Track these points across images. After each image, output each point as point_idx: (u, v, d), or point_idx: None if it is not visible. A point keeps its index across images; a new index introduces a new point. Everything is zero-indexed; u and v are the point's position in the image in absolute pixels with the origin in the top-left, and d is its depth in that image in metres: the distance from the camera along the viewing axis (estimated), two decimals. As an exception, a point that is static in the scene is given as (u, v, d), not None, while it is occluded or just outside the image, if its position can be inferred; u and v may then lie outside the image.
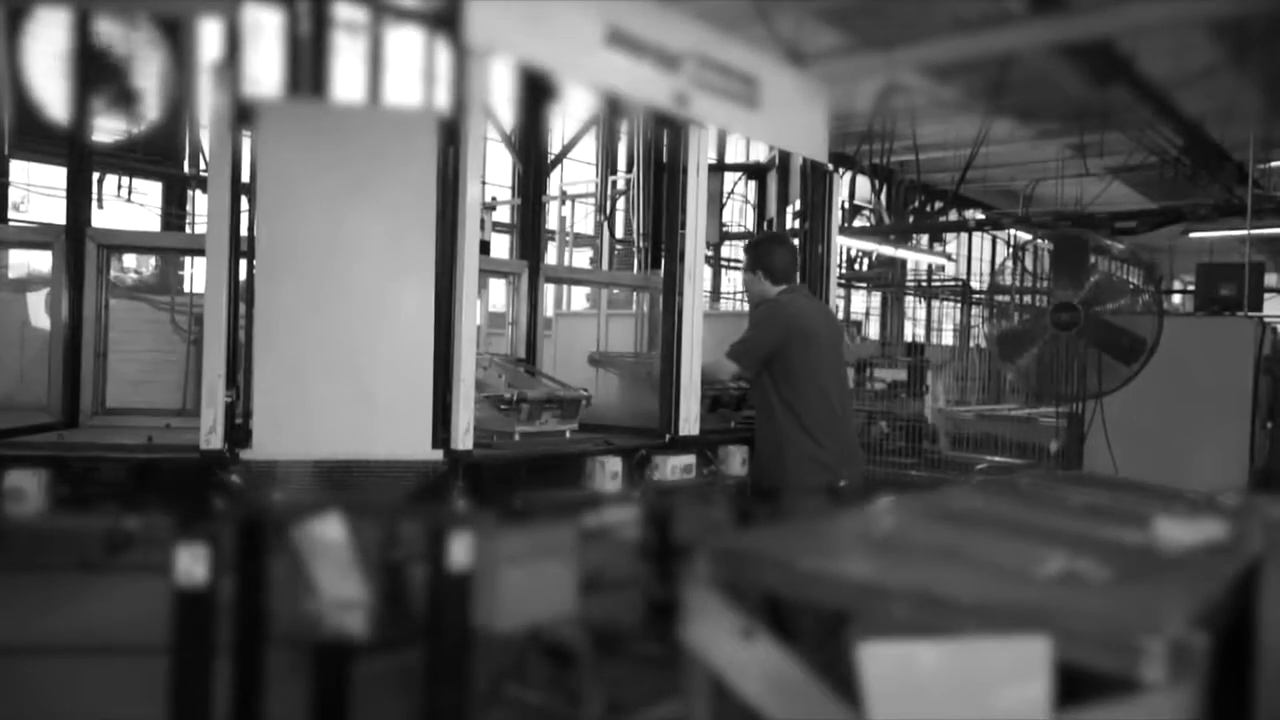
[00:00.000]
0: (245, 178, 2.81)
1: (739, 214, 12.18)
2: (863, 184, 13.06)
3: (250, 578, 2.78)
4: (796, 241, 4.29)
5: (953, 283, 14.83)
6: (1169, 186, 11.06)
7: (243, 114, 2.78)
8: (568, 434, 3.79)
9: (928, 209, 13.68)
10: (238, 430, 2.80)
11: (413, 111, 2.98)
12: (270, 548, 2.74)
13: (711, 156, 7.22)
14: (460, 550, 2.64)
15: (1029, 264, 5.72)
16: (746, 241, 4.27)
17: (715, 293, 13.04)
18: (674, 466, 3.80)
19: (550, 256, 11.08)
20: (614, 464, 3.60)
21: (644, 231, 6.51)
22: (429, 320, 2.92)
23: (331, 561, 2.49)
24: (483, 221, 7.96)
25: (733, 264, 13.06)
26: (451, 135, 2.89)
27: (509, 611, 2.80)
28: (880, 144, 11.51)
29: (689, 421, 3.78)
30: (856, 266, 13.70)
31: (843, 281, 13.17)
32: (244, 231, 2.84)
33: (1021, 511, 2.21)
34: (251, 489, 2.70)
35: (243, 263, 2.85)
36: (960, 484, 2.77)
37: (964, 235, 15.81)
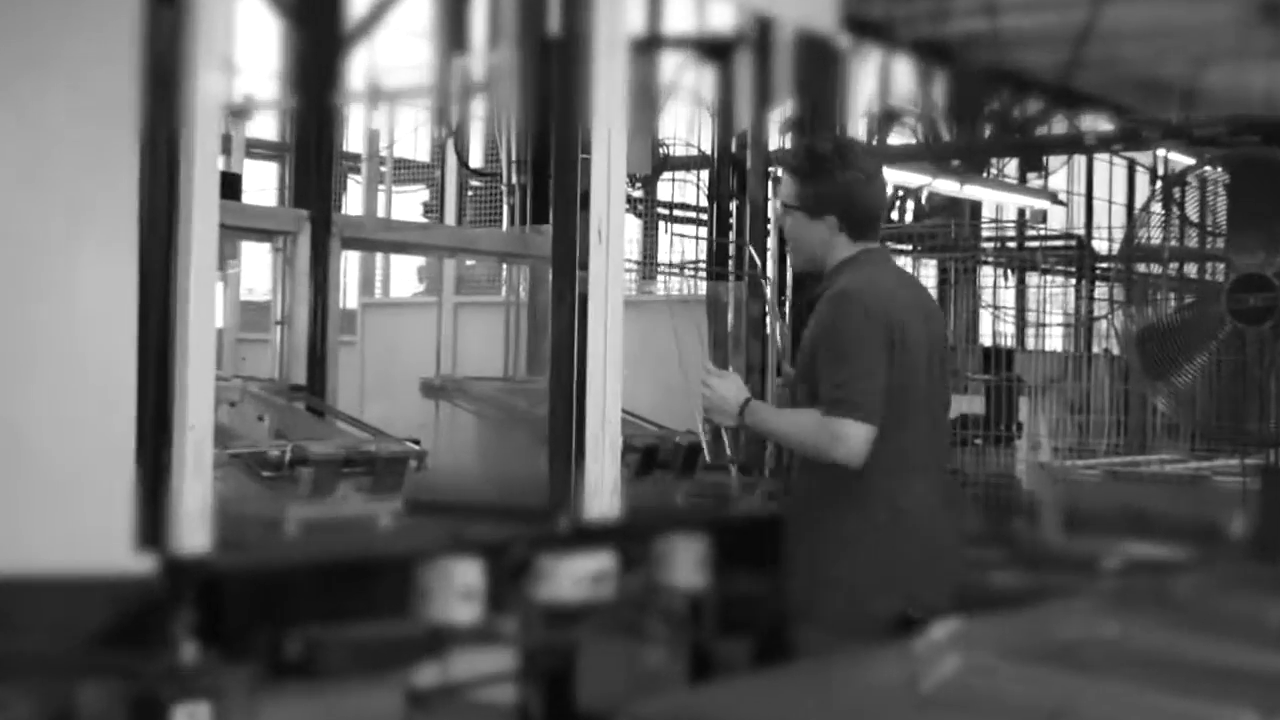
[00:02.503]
0: None
1: (686, 125, 12.22)
2: (903, 71, 13.23)
3: None
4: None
5: (1062, 243, 15.10)
6: None
7: None
8: (385, 520, 3.84)
9: (1014, 115, 13.92)
10: None
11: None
12: None
13: (638, 23, 7.19)
14: (187, 740, 2.64)
15: (1190, 210, 5.85)
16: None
17: (647, 265, 13.08)
18: (575, 575, 3.83)
19: (352, 202, 10.99)
20: (468, 573, 3.62)
21: (518, 159, 6.47)
22: (126, 319, 2.95)
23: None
24: (227, 139, 7.86)
25: (677, 215, 13.13)
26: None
27: None
28: (932, 1, 11.69)
29: (601, 494, 3.87)
30: (894, 215, 13.89)
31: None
32: None
33: (1182, 642, 2.28)
34: None
35: None
36: (1079, 594, 2.80)
37: (1079, 161, 16.13)
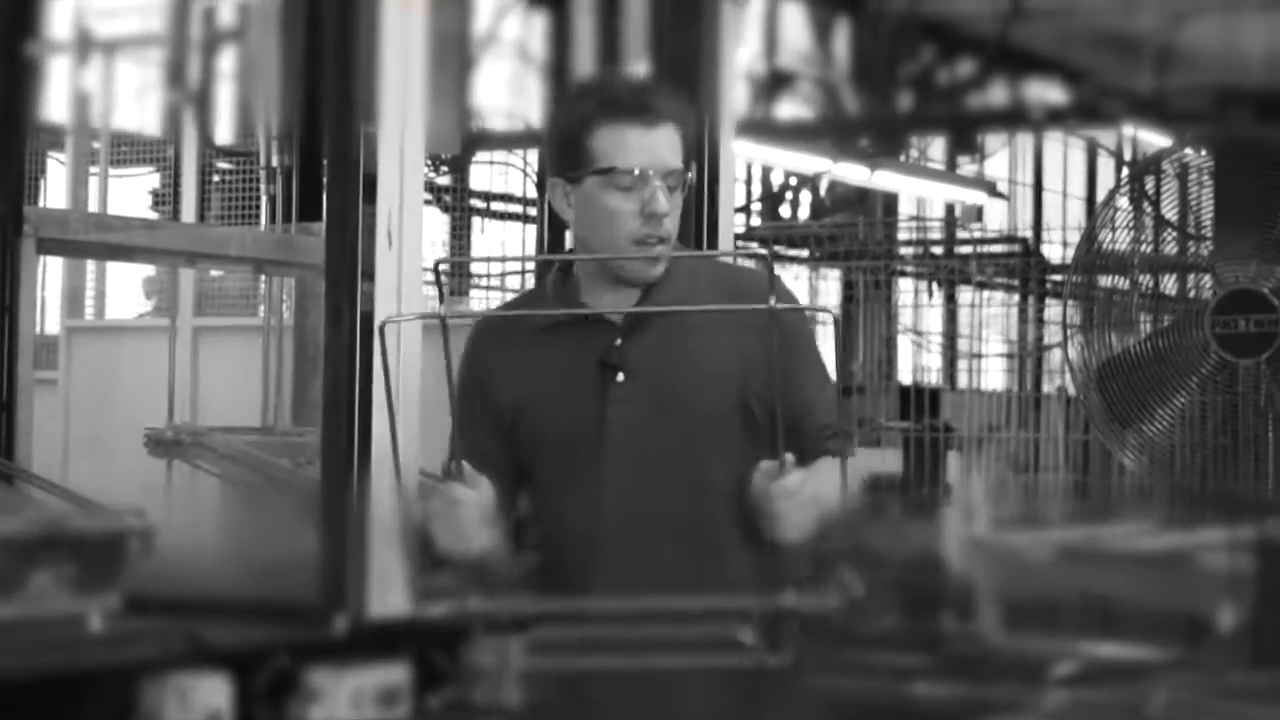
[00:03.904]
0: None
1: (508, 90, 12.30)
2: (795, 22, 13.43)
3: None
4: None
5: (1003, 249, 15.35)
6: None
7: None
8: (96, 622, 3.84)
9: (940, 80, 14.19)
10: None
11: None
12: None
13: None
14: None
15: (1166, 206, 6.00)
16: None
17: (457, 275, 13.12)
18: (358, 693, 3.85)
19: (54, 191, 10.82)
20: (210, 692, 3.65)
21: (280, 134, 6.45)
22: None
23: None
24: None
25: (496, 208, 13.19)
26: None
27: None
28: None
29: (392, 584, 3.91)
30: (784, 211, 14.02)
31: (758, 245, 13.44)
32: None
33: None
34: None
35: None
36: (1024, 710, 2.89)
37: (1024, 141, 16.45)
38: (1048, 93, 14.60)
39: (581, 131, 3.19)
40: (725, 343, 3.28)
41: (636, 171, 3.15)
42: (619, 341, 3.23)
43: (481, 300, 13.34)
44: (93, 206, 8.60)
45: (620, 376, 3.21)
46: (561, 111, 3.32)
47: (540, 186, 7.11)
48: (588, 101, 3.25)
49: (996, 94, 14.11)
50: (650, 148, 3.19)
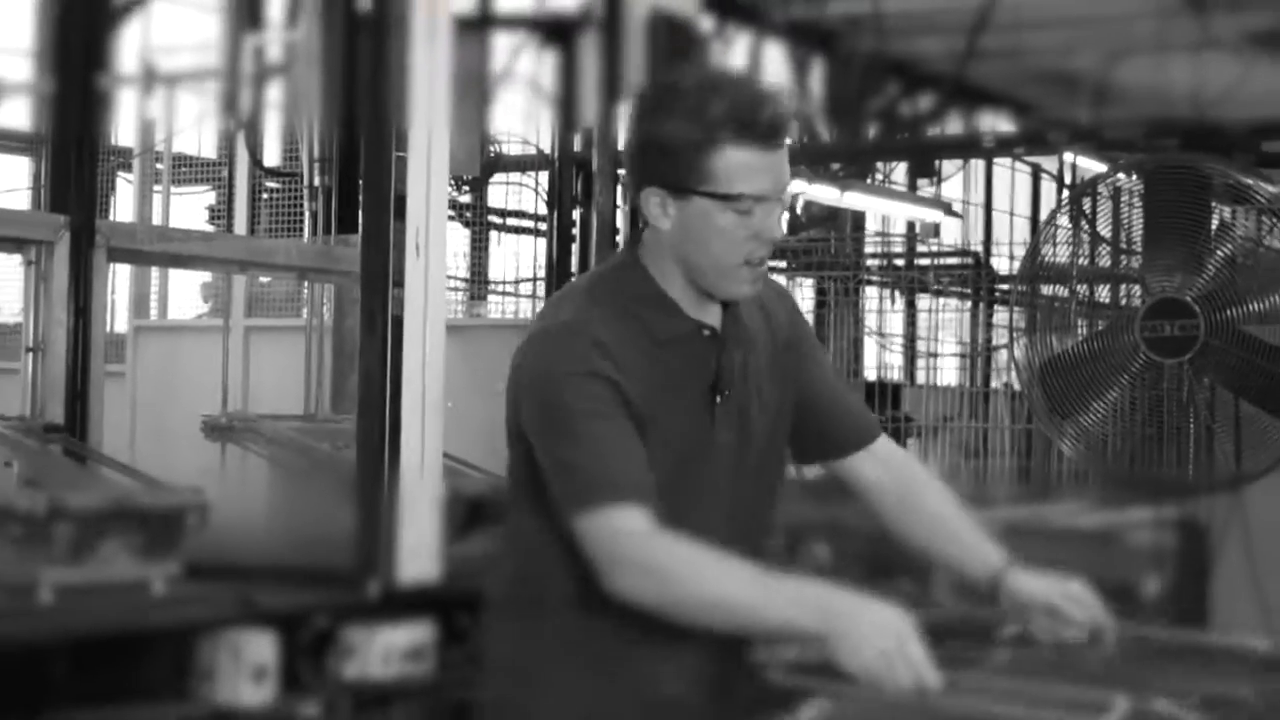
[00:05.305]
0: None
1: (521, 119, 12.22)
2: (774, 59, 13.38)
3: None
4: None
5: (957, 261, 15.31)
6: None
7: None
8: (159, 586, 3.84)
9: (903, 112, 14.14)
10: None
11: None
12: None
13: (466, -1, 7.20)
14: None
15: (1102, 224, 5.97)
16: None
17: (475, 283, 13.10)
18: (388, 650, 3.85)
19: (122, 205, 10.82)
20: (259, 648, 3.65)
21: (322, 157, 6.44)
22: None
23: None
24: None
25: (511, 224, 13.15)
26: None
27: None
28: (810, -21, 11.83)
29: (419, 554, 3.89)
30: (765, 228, 14.01)
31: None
32: None
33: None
34: None
35: None
36: (972, 667, 2.88)
37: (976, 167, 16.42)
38: (998, 124, 14.55)
39: (701, 147, 2.66)
40: (774, 362, 2.95)
41: (760, 195, 2.69)
42: (719, 359, 2.82)
43: (497, 305, 13.33)
44: (156, 220, 8.59)
45: (718, 398, 2.82)
46: (673, 118, 2.71)
47: (553, 203, 7.03)
48: (711, 113, 2.67)
49: (953, 125, 14.06)
50: (774, 168, 2.72)
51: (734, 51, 12.35)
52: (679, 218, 2.71)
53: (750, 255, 2.71)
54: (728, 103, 2.67)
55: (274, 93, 8.66)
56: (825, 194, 12.55)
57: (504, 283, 13.15)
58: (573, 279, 6.62)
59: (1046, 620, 2.85)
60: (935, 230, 15.26)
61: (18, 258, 4.84)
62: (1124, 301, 5.93)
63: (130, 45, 9.69)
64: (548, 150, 10.49)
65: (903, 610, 2.53)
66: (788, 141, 2.74)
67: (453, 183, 8.01)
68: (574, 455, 2.64)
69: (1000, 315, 9.63)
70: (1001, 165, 16.33)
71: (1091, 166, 11.71)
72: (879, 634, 2.50)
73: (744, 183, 2.65)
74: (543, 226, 10.83)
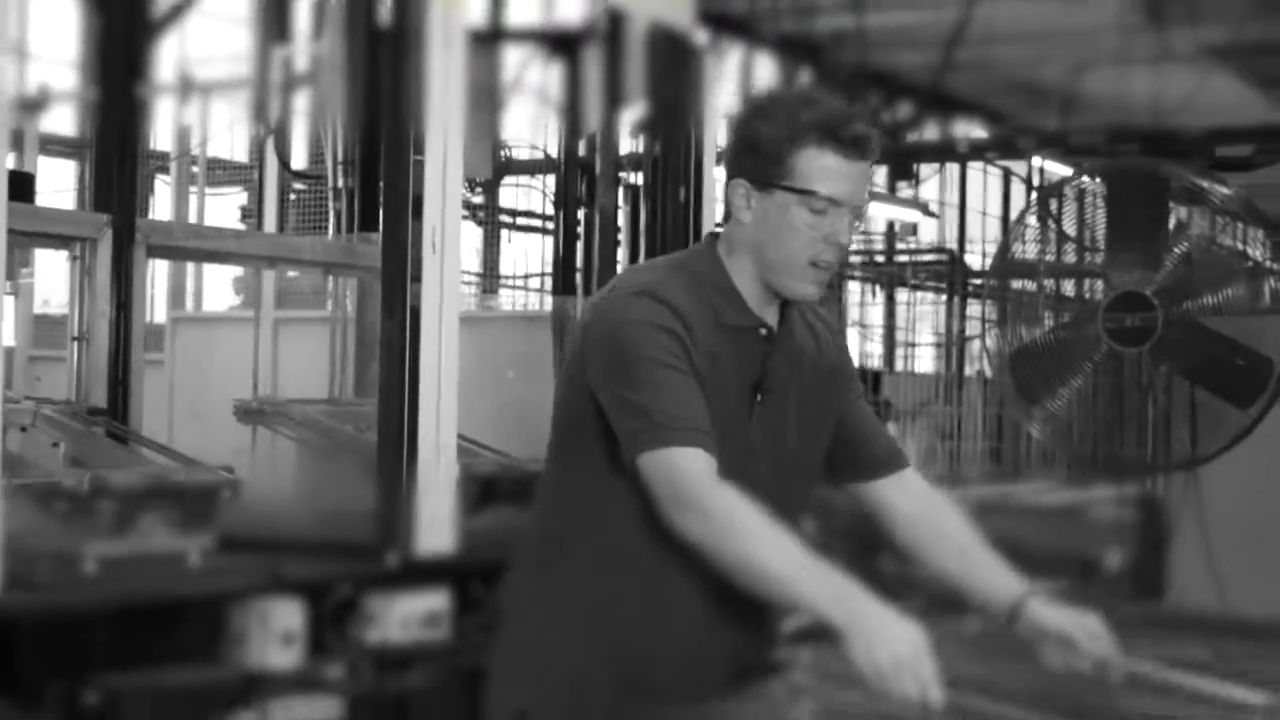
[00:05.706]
0: None
1: (530, 125, 12.25)
2: (765, 70, 13.37)
3: None
4: (639, 178, 4.38)
5: (933, 257, 15.26)
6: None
7: None
8: (195, 557, 3.83)
9: (884, 119, 14.12)
10: None
11: None
12: None
13: (477, 14, 7.26)
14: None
15: (1067, 223, 6.01)
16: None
17: (487, 277, 13.06)
18: (406, 617, 3.85)
19: (160, 206, 10.80)
20: (287, 615, 3.64)
21: (345, 160, 6.47)
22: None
23: None
24: (18, 135, 7.77)
25: (520, 223, 13.12)
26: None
27: None
28: (797, -5, 11.78)
29: (435, 528, 3.91)
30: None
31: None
32: None
33: (1051, 684, 2.46)
34: None
35: None
36: (945, 635, 2.91)
37: (952, 170, 16.39)
38: (971, 130, 14.53)
39: (789, 145, 2.71)
40: (818, 383, 2.91)
41: (835, 199, 2.71)
42: (766, 361, 2.80)
43: (508, 298, 13.31)
44: (192, 219, 8.56)
45: (759, 397, 2.79)
46: (769, 121, 2.75)
47: (559, 203, 7.04)
48: (803, 118, 2.72)
49: (930, 131, 14.04)
50: (852, 178, 2.74)
51: (727, 64, 12.33)
52: (759, 210, 2.73)
53: (818, 256, 2.72)
54: (821, 112, 2.73)
55: (301, 101, 8.66)
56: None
57: (514, 277, 13.11)
58: (578, 273, 6.62)
59: (1059, 648, 2.79)
60: (913, 229, 15.28)
61: (64, 253, 4.84)
62: (1088, 295, 5.95)
63: (168, 57, 9.68)
64: (554, 154, 10.52)
65: (921, 630, 2.50)
66: (870, 160, 2.78)
67: (467, 184, 8.05)
68: (645, 398, 2.62)
69: (973, 308, 9.65)
70: (975, 169, 16.22)
71: (1058, 170, 11.59)
72: (897, 641, 2.48)
73: (822, 184, 2.69)
74: (550, 225, 10.86)
